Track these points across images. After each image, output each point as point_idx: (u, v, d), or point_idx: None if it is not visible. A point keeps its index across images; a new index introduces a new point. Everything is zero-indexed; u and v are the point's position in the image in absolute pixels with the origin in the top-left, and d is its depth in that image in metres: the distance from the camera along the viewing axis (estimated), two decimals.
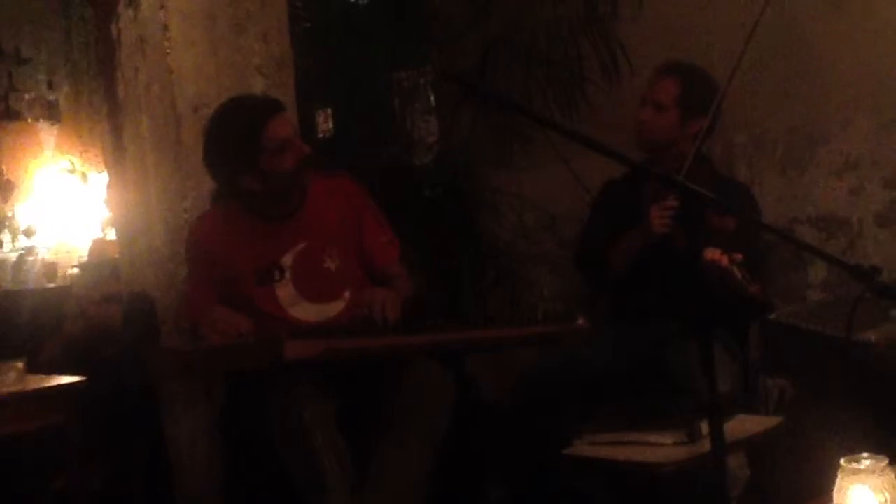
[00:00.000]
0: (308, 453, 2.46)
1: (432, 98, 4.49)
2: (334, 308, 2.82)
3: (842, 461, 1.55)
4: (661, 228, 2.75)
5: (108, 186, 3.56)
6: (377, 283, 2.87)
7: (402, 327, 2.62)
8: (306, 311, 2.80)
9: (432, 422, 2.60)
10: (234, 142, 2.76)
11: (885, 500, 1.52)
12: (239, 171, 2.75)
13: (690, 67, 3.06)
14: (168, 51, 3.15)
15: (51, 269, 4.06)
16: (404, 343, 2.59)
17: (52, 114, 4.32)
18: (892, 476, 1.53)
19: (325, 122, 4.48)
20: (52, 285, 4.09)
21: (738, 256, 2.37)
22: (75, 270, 3.87)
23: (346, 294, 2.83)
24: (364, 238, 2.91)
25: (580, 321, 2.62)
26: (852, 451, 1.57)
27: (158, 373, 3.10)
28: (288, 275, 2.79)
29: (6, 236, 4.76)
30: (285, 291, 2.78)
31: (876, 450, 1.57)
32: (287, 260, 2.79)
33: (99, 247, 4.07)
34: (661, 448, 2.41)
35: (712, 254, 2.39)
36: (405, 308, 2.72)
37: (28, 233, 4.15)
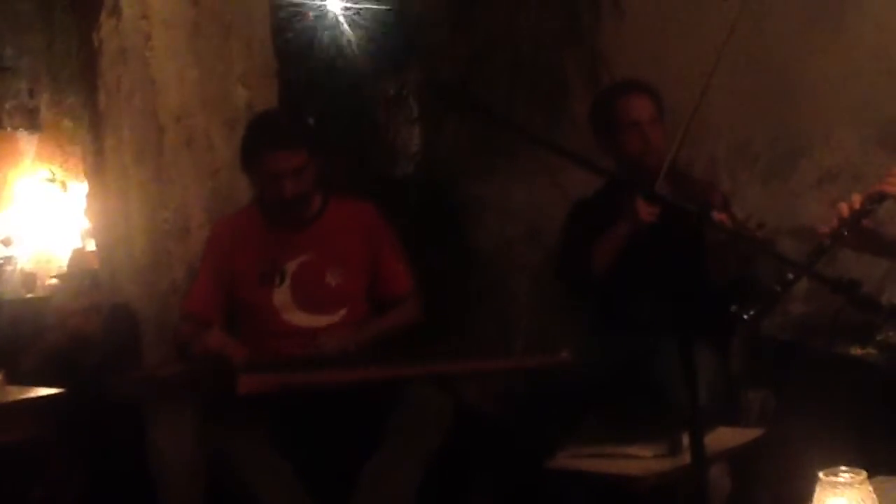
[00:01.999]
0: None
1: (416, 108, 4.49)
2: (325, 321, 2.89)
3: (820, 474, 1.55)
4: (648, 217, 2.76)
5: (89, 196, 3.53)
6: (384, 308, 2.98)
7: (371, 360, 2.64)
8: (298, 319, 2.88)
9: (426, 442, 2.64)
10: (242, 158, 2.92)
11: None
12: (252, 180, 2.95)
13: (643, 82, 3.13)
14: (150, 60, 3.14)
15: (30, 279, 4.03)
16: (369, 376, 2.59)
17: (32, 122, 4.29)
18: (870, 489, 1.53)
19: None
20: (30, 295, 4.05)
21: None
22: (54, 281, 3.84)
23: (342, 311, 2.91)
24: (380, 266, 2.99)
25: (563, 354, 2.64)
26: (831, 464, 1.57)
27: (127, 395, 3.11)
28: (288, 281, 2.89)
29: None
30: (282, 296, 2.88)
31: (854, 463, 1.57)
32: (290, 267, 2.90)
33: (79, 257, 4.04)
34: (642, 461, 2.41)
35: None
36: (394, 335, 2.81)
37: (6, 242, 4.12)
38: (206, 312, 2.88)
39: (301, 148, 2.84)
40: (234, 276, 2.90)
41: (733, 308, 2.21)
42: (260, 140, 2.88)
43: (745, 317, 2.13)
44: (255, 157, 2.86)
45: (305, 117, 3.29)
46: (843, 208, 2.34)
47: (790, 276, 2.17)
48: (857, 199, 2.35)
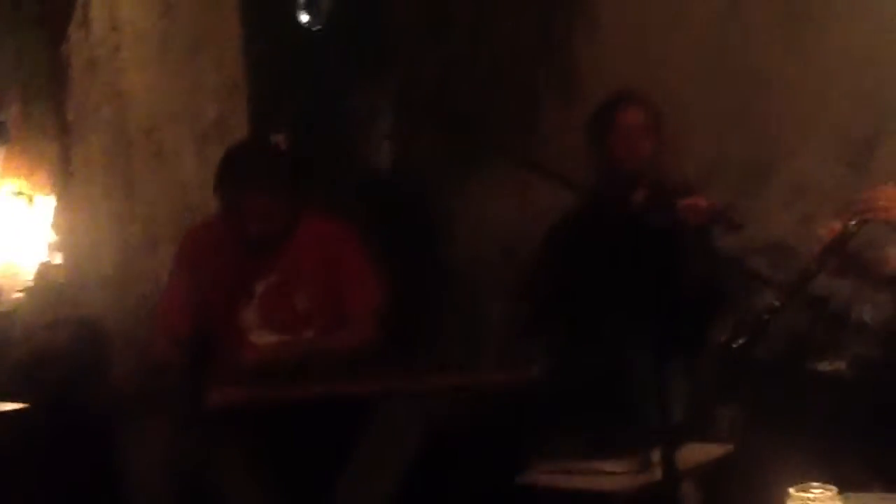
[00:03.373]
0: None
1: (389, 122, 4.48)
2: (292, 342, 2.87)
3: (791, 490, 1.55)
4: None
5: (56, 209, 3.49)
6: (342, 323, 2.94)
7: (342, 374, 2.63)
8: (264, 338, 2.86)
9: (398, 456, 2.63)
10: (215, 184, 2.88)
11: None
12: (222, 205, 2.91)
13: (643, 94, 3.12)
14: (119, 73, 3.12)
15: None
16: (338, 391, 2.60)
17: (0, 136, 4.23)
18: None
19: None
20: None
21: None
22: (20, 295, 3.80)
23: (309, 333, 2.89)
24: (341, 282, 2.94)
25: (533, 370, 2.64)
26: (800, 480, 1.57)
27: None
28: (255, 300, 2.88)
29: None
30: (249, 315, 2.88)
31: (824, 479, 1.57)
32: (259, 287, 2.89)
33: (45, 271, 4.00)
34: (614, 477, 2.40)
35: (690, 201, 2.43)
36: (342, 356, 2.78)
37: None
38: (184, 329, 2.85)
39: (276, 192, 2.83)
40: (204, 289, 2.87)
41: (722, 339, 2.20)
42: (235, 176, 2.86)
43: (734, 346, 2.12)
44: (228, 189, 2.84)
45: (286, 155, 3.23)
46: (826, 234, 2.34)
47: (777, 303, 2.16)
48: (835, 226, 2.35)
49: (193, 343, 2.86)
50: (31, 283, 4.07)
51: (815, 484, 1.55)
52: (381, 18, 4.31)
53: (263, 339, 2.86)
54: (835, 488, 1.54)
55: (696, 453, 2.52)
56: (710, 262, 2.98)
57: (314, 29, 4.31)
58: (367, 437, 2.64)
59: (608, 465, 2.43)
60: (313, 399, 2.58)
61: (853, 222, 2.26)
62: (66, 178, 3.30)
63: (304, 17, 4.45)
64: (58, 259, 3.77)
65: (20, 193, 4.29)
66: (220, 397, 2.46)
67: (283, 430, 2.62)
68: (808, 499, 1.53)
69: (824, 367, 2.80)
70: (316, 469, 2.65)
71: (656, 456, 2.28)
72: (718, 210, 2.98)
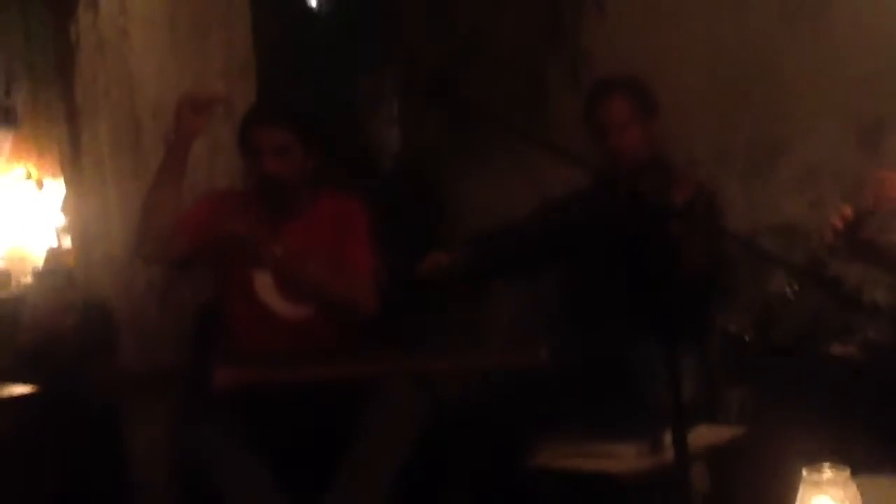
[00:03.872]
0: None
1: (396, 106, 4.47)
2: (302, 311, 2.89)
3: (803, 471, 1.54)
4: None
5: (65, 192, 3.49)
6: None
7: (348, 355, 2.62)
8: (278, 305, 2.89)
9: (401, 439, 2.62)
10: (238, 142, 2.96)
11: None
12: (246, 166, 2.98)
13: (624, 80, 3.08)
14: (128, 55, 3.12)
15: (3, 277, 3.98)
16: (349, 372, 2.58)
17: (8, 119, 4.22)
18: (854, 486, 1.53)
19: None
20: (4, 294, 4.00)
21: None
22: (29, 279, 3.80)
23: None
24: (345, 247, 2.97)
25: (542, 353, 2.62)
26: (814, 461, 1.57)
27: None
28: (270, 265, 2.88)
29: None
30: (263, 280, 2.89)
31: (834, 462, 1.56)
32: (276, 252, 2.87)
33: (55, 255, 4.00)
34: (623, 459, 2.40)
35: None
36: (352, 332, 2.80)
37: None
38: (184, 246, 2.87)
39: (285, 127, 2.86)
40: (226, 246, 2.87)
41: (732, 328, 2.20)
42: (249, 117, 2.94)
43: (747, 338, 2.12)
44: (244, 135, 2.90)
45: (304, 108, 3.25)
46: (838, 220, 2.33)
47: (789, 292, 2.15)
48: (847, 211, 2.34)
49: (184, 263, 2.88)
50: (39, 268, 4.07)
51: (827, 465, 1.55)
52: (387, 3, 4.30)
53: (277, 305, 2.88)
54: (847, 469, 1.54)
55: (707, 435, 2.52)
56: (712, 244, 2.97)
57: (322, 12, 4.31)
58: (370, 419, 2.64)
59: (618, 448, 2.43)
60: (320, 380, 2.57)
61: (864, 208, 2.25)
62: (74, 162, 3.30)
63: (312, 1, 4.44)
64: (67, 243, 3.77)
65: (29, 177, 4.29)
66: (226, 379, 2.43)
67: (284, 414, 2.62)
68: (821, 480, 1.53)
69: (836, 349, 2.80)
70: (316, 454, 2.65)
71: (667, 438, 2.29)
72: (701, 187, 2.98)
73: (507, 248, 2.94)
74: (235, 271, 2.90)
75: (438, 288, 3.18)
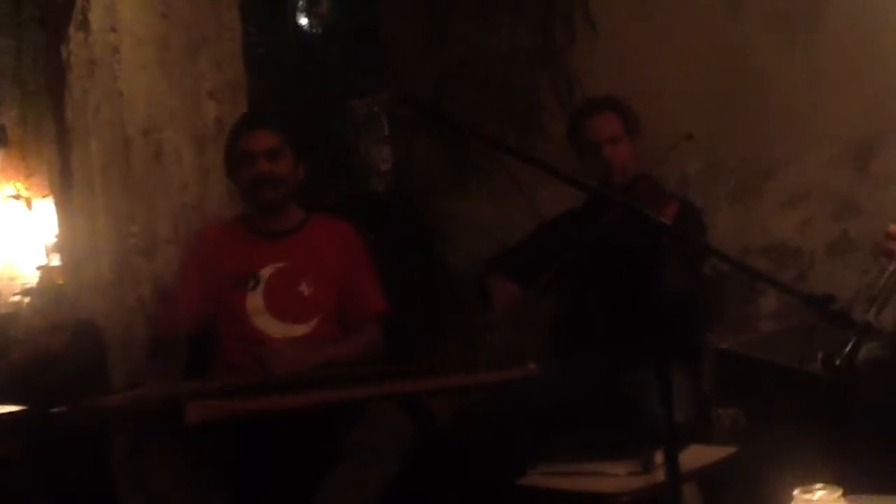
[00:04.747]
0: None
1: (387, 126, 4.48)
2: (297, 330, 2.87)
3: (795, 492, 1.54)
4: None
5: (55, 211, 3.49)
6: (351, 326, 2.96)
7: (327, 381, 2.56)
8: (269, 326, 2.86)
9: (384, 461, 2.57)
10: (225, 161, 3.00)
11: None
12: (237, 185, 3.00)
13: (610, 99, 3.12)
14: (118, 73, 3.11)
15: None
16: (326, 400, 2.50)
17: None
18: None
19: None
20: None
21: None
22: (18, 297, 3.79)
23: (314, 321, 2.89)
24: (355, 281, 2.98)
25: (531, 366, 2.60)
26: (806, 481, 1.56)
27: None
28: (261, 286, 2.88)
29: None
30: (254, 301, 2.87)
31: (830, 480, 1.56)
32: (265, 272, 2.89)
33: (45, 273, 3.99)
34: (615, 478, 2.39)
35: None
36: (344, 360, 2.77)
37: None
38: (188, 324, 2.87)
39: (276, 131, 2.91)
40: (212, 282, 2.90)
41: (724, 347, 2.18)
42: (238, 126, 2.97)
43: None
44: (235, 145, 2.92)
45: (287, 117, 3.29)
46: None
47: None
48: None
49: (195, 340, 2.87)
50: (29, 286, 4.07)
51: (819, 485, 1.54)
52: (379, 23, 4.31)
53: (269, 325, 2.85)
54: (839, 489, 1.54)
55: (698, 455, 2.51)
56: (698, 261, 2.98)
57: (314, 32, 4.32)
58: (350, 442, 2.57)
59: (610, 467, 2.42)
60: (302, 410, 2.48)
61: None
62: (64, 181, 3.29)
63: (303, 21, 4.46)
64: (56, 261, 3.76)
65: (18, 196, 4.29)
66: (199, 414, 2.30)
67: (261, 439, 2.57)
68: (813, 500, 1.53)
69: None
70: (297, 476, 2.62)
71: (659, 458, 2.28)
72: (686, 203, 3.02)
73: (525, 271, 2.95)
74: (225, 294, 2.88)
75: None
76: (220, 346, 2.89)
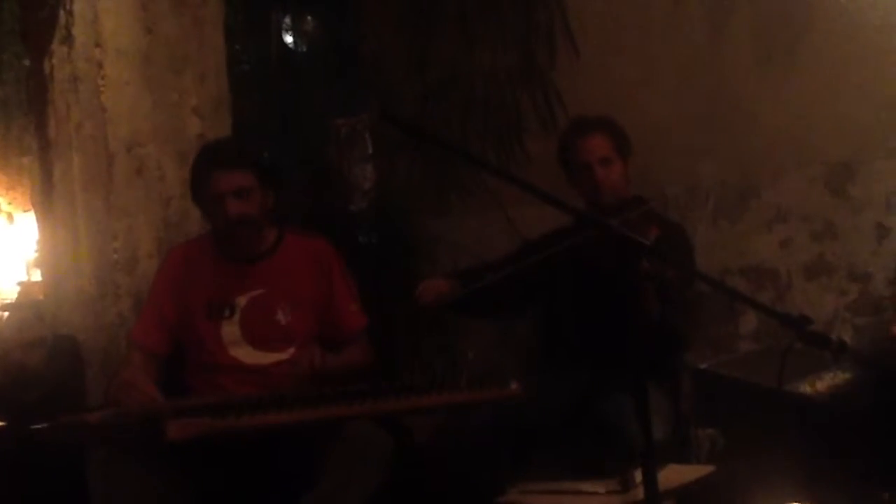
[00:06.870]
0: None
1: (370, 144, 4.49)
2: (272, 358, 2.84)
3: None
4: None
5: (36, 225, 3.47)
6: (336, 347, 2.91)
7: (308, 400, 2.55)
8: (245, 354, 2.82)
9: (364, 477, 2.56)
10: (191, 186, 2.89)
11: None
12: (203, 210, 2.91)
13: (602, 119, 3.09)
14: (102, 89, 3.11)
15: None
16: (306, 418, 2.50)
17: None
18: None
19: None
20: None
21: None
22: None
23: (291, 350, 2.85)
24: (333, 303, 2.94)
25: (513, 386, 2.59)
26: (782, 500, 1.58)
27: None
28: (237, 315, 2.83)
29: None
30: (230, 330, 2.83)
31: (802, 501, 1.57)
32: (241, 301, 2.85)
33: (25, 288, 3.97)
34: (594, 496, 2.40)
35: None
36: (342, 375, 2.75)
37: None
38: (151, 345, 2.83)
39: (245, 169, 2.81)
40: (184, 305, 2.85)
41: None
42: (204, 162, 2.85)
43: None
44: (201, 181, 2.83)
45: (255, 146, 3.23)
46: None
47: None
48: None
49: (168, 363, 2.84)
50: (9, 301, 4.04)
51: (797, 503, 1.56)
52: (362, 41, 4.33)
53: (244, 354, 2.81)
54: None
55: (677, 474, 2.52)
56: (683, 282, 2.98)
57: (298, 50, 4.33)
58: (330, 460, 2.56)
59: (589, 485, 2.43)
60: (283, 426, 2.48)
61: None
62: (46, 196, 3.27)
63: (287, 38, 4.47)
64: (37, 277, 3.75)
65: (0, 210, 4.27)
66: (179, 432, 2.33)
67: (238, 457, 2.56)
68: None
69: (804, 388, 2.82)
70: (275, 495, 2.61)
71: (637, 476, 2.28)
72: (669, 224, 2.99)
73: (493, 286, 2.92)
74: (198, 323, 2.84)
75: (425, 317, 3.13)
76: (189, 375, 2.86)
